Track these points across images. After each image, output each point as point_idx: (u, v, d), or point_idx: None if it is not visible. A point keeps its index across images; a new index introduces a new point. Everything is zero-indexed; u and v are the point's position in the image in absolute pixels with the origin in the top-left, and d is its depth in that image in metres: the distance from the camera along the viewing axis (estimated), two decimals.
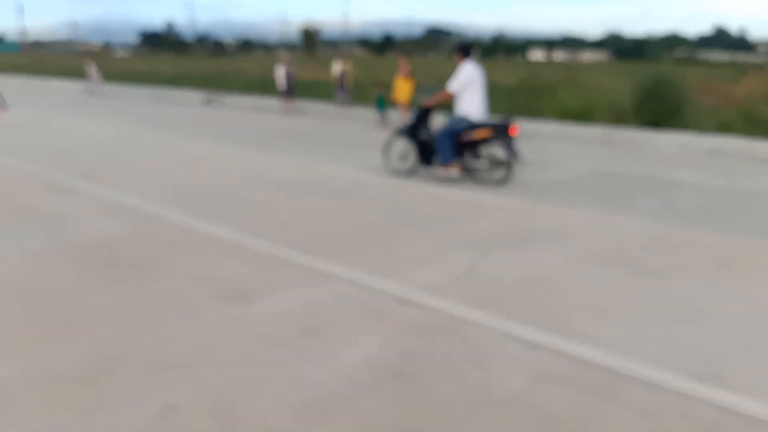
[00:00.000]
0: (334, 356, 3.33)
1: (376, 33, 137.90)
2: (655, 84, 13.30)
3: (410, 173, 8.30)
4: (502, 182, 7.71)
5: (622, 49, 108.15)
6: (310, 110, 17.21)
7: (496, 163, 7.76)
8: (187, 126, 13.90)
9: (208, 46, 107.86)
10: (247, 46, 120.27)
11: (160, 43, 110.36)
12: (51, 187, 7.39)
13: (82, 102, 20.58)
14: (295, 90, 17.30)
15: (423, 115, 8.16)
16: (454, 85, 7.67)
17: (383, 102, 14.31)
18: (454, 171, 7.85)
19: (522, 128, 12.81)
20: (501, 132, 7.58)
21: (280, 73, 16.90)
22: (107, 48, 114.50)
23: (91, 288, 4.29)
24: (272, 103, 18.33)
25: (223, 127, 13.77)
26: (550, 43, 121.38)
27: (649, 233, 5.71)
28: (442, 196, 7.20)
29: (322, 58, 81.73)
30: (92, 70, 24.50)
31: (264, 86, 22.47)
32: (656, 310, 3.97)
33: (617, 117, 13.43)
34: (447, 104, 8.27)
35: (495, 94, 19.83)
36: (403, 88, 13.14)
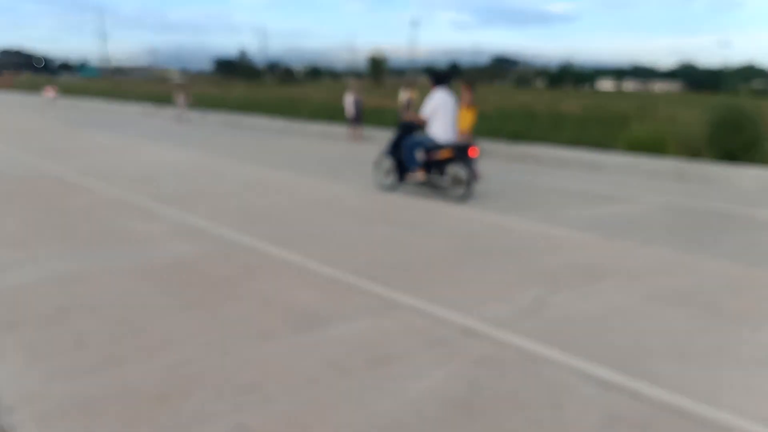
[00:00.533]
0: (401, 386, 3.34)
1: (442, 61, 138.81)
2: (730, 116, 12.87)
3: (392, 189, 9.31)
4: (462, 198, 8.57)
5: (695, 79, 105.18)
6: (377, 138, 17.40)
7: (457, 180, 8.65)
8: (257, 152, 14.28)
9: (278, 73, 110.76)
10: (315, 73, 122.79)
11: (233, 70, 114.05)
12: (132, 210, 7.71)
13: (161, 127, 21.42)
14: (362, 117, 17.57)
15: (402, 135, 9.24)
16: (425, 110, 8.90)
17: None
18: (419, 176, 8.96)
19: (588, 159, 12.63)
20: (461, 153, 8.66)
21: (349, 101, 17.21)
22: (187, 75, 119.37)
23: (169, 308, 4.44)
24: (338, 130, 18.64)
25: (292, 154, 14.08)
26: (619, 73, 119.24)
27: (728, 274, 5.51)
28: (511, 228, 7.15)
29: (389, 85, 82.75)
30: (180, 99, 25.61)
31: (330, 113, 22.91)
32: (738, 356, 3.82)
33: (691, 150, 13.07)
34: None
35: (560, 123, 19.63)
36: (464, 118, 13.16)
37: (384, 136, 17.30)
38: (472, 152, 8.66)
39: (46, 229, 6.66)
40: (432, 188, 8.97)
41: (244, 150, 14.52)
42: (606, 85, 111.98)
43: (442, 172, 8.79)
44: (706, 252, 6.24)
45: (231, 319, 4.25)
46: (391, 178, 9.34)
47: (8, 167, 11.09)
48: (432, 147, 8.83)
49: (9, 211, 7.52)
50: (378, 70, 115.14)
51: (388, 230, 6.90)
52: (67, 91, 52.04)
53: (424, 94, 22.23)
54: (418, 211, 7.95)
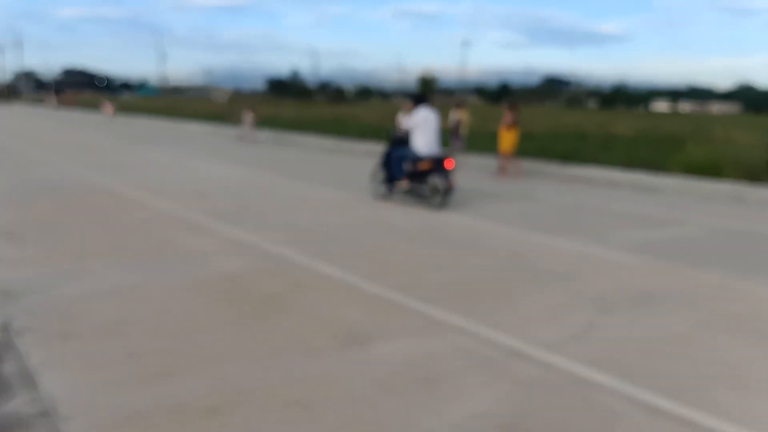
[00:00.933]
0: (448, 407, 3.32)
1: (492, 81, 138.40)
2: None
3: (385, 197, 10.23)
4: (440, 206, 9.35)
5: (754, 101, 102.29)
6: None
7: (435, 190, 9.44)
8: (306, 170, 14.47)
9: (329, 92, 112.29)
10: (365, 92, 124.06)
11: (285, 89, 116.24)
12: (184, 224, 7.90)
13: (216, 145, 21.92)
14: None
15: (392, 149, 10.19)
16: (408, 123, 9.96)
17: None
18: (404, 185, 9.90)
19: (641, 181, 12.37)
20: (438, 165, 9.50)
21: (403, 121, 17.05)
22: (243, 94, 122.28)
23: (219, 323, 4.52)
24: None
25: (340, 172, 14.21)
26: (674, 94, 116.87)
27: None
28: (560, 248, 7.05)
29: (439, 105, 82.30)
30: (248, 118, 24.96)
31: (379, 132, 23.06)
32: None
33: (750, 173, 12.69)
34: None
35: (612, 144, 19.33)
36: (506, 138, 13.27)
37: None
38: (448, 164, 9.51)
39: (102, 242, 6.88)
40: (415, 196, 9.93)
41: (294, 167, 14.74)
42: (661, 106, 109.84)
43: (423, 182, 9.66)
44: (763, 278, 6.03)
45: (279, 334, 4.30)
46: (383, 188, 10.29)
47: (67, 182, 11.51)
48: (415, 159, 9.74)
49: (67, 225, 7.79)
50: (428, 89, 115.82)
51: (434, 248, 6.89)
52: (126, 108, 53.79)
53: (474, 114, 22.17)
54: (466, 230, 7.92)
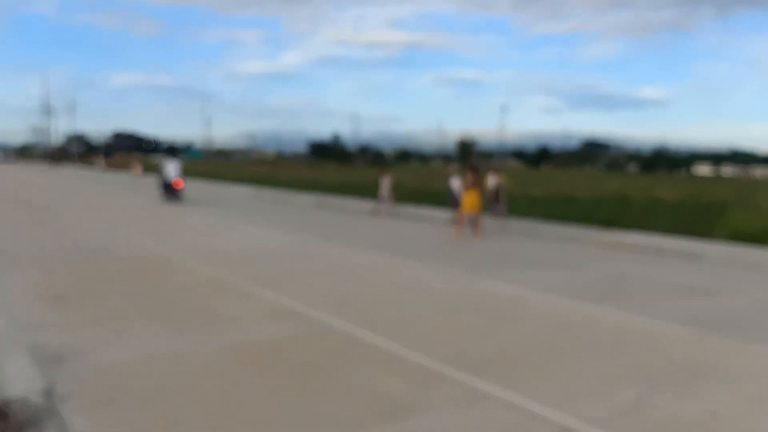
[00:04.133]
0: None
1: (531, 145, 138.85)
2: None
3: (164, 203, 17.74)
4: (177, 203, 16.26)
5: None
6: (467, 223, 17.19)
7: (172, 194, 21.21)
8: (347, 234, 14.57)
9: (368, 156, 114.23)
10: (404, 156, 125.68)
11: (326, 152, 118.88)
12: (227, 290, 8.01)
13: (256, 208, 22.31)
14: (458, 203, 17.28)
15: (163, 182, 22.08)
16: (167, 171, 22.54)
17: None
18: (166, 197, 20.73)
19: (686, 248, 12.07)
20: (169, 185, 20.27)
21: (456, 185, 16.49)
22: (286, 157, 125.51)
23: (260, 392, 4.52)
24: (427, 213, 18.70)
25: (383, 237, 14.27)
26: (717, 158, 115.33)
27: None
28: (604, 319, 6.90)
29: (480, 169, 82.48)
30: (385, 185, 19.59)
31: (418, 196, 23.16)
32: None
33: None
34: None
35: (656, 210, 19.05)
36: (467, 199, 13.68)
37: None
38: (176, 184, 18.18)
39: (147, 307, 7.00)
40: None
41: (334, 231, 14.85)
42: (703, 170, 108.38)
43: (174, 195, 21.64)
44: None
45: (320, 405, 4.28)
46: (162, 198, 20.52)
47: (113, 245, 11.81)
48: (166, 182, 21.69)
49: (112, 288, 7.97)
50: (466, 153, 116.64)
51: (476, 318, 6.82)
52: None
53: (512, 178, 22.13)
54: (506, 299, 7.83)
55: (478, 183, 14.06)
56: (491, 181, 17.28)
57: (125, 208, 20.55)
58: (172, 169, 22.53)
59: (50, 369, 4.88)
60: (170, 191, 22.23)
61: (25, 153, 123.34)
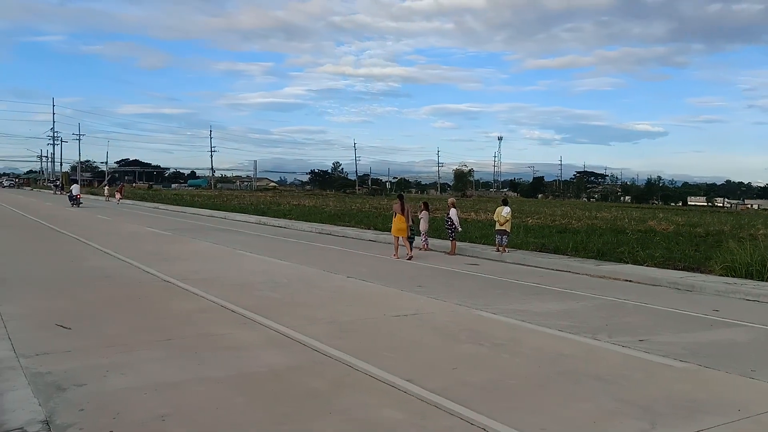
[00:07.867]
0: None
1: (526, 175, 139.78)
2: None
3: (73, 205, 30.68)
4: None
5: None
6: (469, 251, 17.19)
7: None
8: (346, 263, 14.58)
9: (367, 184, 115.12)
10: (402, 184, 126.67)
11: (327, 181, 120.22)
12: (229, 317, 8.02)
13: (257, 238, 22.33)
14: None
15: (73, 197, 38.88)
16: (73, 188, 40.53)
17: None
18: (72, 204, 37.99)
19: (682, 280, 12.06)
20: (73, 194, 38.54)
21: (454, 213, 16.70)
22: (287, 185, 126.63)
23: (260, 423, 4.53)
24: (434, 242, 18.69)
25: (380, 267, 14.29)
26: (711, 189, 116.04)
27: None
28: (603, 350, 6.91)
29: (473, 198, 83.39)
30: (424, 218, 17.90)
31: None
32: None
33: None
34: None
35: (650, 241, 19.10)
36: (395, 223, 15.71)
37: (475, 250, 17.21)
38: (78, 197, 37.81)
39: (149, 334, 7.01)
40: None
41: (335, 260, 14.85)
42: (697, 200, 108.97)
43: (76, 202, 38.12)
44: None
45: None
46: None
47: (117, 271, 11.82)
48: (73, 196, 38.96)
49: (115, 315, 7.97)
50: (462, 182, 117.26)
51: (473, 348, 6.84)
52: (177, 201, 54.16)
53: (512, 208, 22.18)
54: (504, 329, 7.84)
55: (403, 210, 15.77)
56: (506, 211, 16.83)
57: (131, 237, 20.56)
58: (75, 188, 40.51)
59: (50, 398, 4.88)
60: (73, 200, 38.65)
61: (30, 179, 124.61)
